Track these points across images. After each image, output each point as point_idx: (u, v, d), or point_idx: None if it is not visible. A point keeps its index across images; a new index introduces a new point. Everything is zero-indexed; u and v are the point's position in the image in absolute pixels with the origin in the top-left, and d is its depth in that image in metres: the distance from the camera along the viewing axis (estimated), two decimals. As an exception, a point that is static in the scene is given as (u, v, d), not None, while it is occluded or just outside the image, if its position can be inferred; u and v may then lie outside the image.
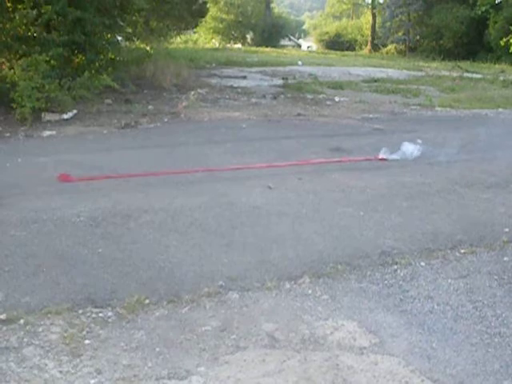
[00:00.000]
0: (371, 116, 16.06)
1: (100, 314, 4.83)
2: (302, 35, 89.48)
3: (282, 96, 19.48)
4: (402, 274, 5.88)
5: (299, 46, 79.98)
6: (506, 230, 7.28)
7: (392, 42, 59.42)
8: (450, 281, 5.78)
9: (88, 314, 4.82)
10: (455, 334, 4.76)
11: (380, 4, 64.76)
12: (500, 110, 18.81)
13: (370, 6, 67.24)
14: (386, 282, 5.70)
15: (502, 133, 10.93)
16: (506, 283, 5.80)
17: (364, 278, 5.77)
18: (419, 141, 11.16)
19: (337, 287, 5.52)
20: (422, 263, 6.17)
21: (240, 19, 64.25)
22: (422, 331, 4.76)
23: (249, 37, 66.61)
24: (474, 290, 5.59)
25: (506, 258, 6.42)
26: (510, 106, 19.80)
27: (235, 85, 21.63)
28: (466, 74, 30.11)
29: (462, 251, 6.53)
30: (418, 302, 5.28)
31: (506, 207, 8.19)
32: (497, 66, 39.88)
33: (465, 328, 4.85)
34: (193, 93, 18.14)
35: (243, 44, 63.52)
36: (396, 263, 6.13)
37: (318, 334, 4.65)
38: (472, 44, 50.18)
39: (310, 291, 5.42)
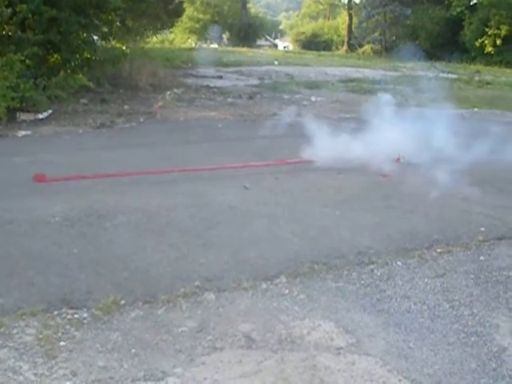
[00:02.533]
0: (348, 116, 16.08)
1: (75, 315, 4.79)
2: (279, 35, 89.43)
3: (259, 96, 19.47)
4: (378, 274, 5.88)
5: (275, 46, 79.97)
6: (482, 229, 7.31)
7: (368, 43, 59.52)
8: (426, 280, 5.79)
9: (63, 316, 4.77)
10: (432, 333, 4.76)
11: (356, 4, 64.93)
12: (475, 109, 18.92)
13: (346, 7, 67.34)
14: (362, 281, 5.70)
15: (477, 132, 10.98)
16: (483, 282, 5.82)
17: (341, 277, 5.77)
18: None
19: (313, 287, 5.51)
20: (399, 263, 6.18)
21: (216, 19, 64.12)
22: (399, 331, 4.76)
23: (225, 37, 66.51)
24: (451, 290, 5.61)
25: (482, 258, 6.44)
26: (486, 106, 19.93)
27: (211, 85, 21.57)
28: (441, 75, 30.22)
29: (439, 250, 6.55)
30: (395, 302, 5.29)
31: (481, 207, 8.22)
32: (472, 66, 40.09)
33: (442, 327, 4.86)
34: (169, 92, 18.10)
35: (219, 44, 63.40)
36: (373, 263, 6.13)
37: (294, 334, 4.63)
38: (447, 45, 50.43)
39: (286, 291, 5.40)
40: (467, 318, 5.05)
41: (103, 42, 19.64)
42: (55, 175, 8.73)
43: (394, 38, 57.58)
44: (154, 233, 6.69)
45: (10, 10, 13.77)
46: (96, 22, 17.14)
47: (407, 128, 10.80)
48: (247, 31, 63.20)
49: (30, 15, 14.30)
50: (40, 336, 4.44)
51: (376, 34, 58.35)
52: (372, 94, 21.12)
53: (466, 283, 5.78)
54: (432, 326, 4.89)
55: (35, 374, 3.98)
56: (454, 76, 30.26)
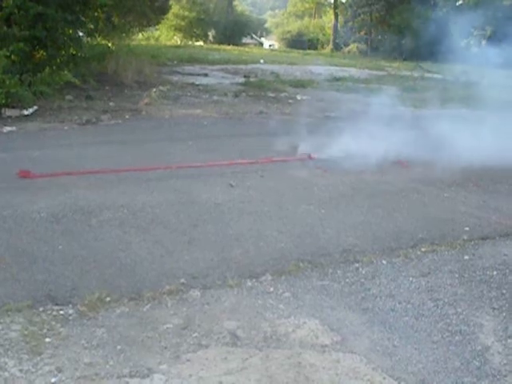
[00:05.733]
0: (333, 115, 16.10)
1: (61, 312, 4.78)
2: (264, 34, 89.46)
3: (244, 94, 19.48)
4: (363, 272, 5.90)
5: (261, 44, 79.95)
6: (467, 228, 7.34)
7: (354, 42, 59.66)
8: (411, 279, 5.81)
9: (49, 312, 4.76)
10: (417, 331, 4.78)
11: (342, 3, 65.01)
12: (462, 110, 18.95)
13: (332, 6, 67.42)
14: (347, 280, 5.71)
15: (463, 132, 11.00)
16: (467, 281, 5.85)
17: (326, 275, 5.78)
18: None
19: (299, 285, 5.52)
20: (384, 261, 6.19)
21: (202, 16, 64.06)
22: (383, 329, 4.78)
23: (211, 34, 66.44)
24: (435, 289, 5.63)
25: (466, 257, 6.47)
26: (472, 106, 19.96)
27: (197, 82, 21.57)
28: (427, 75, 30.26)
29: (424, 250, 6.57)
30: (380, 300, 5.30)
31: (466, 206, 8.26)
32: (457, 66, 40.15)
33: (426, 326, 4.88)
34: (154, 90, 18.07)
35: (205, 42, 63.33)
36: (358, 261, 6.15)
37: (279, 331, 4.64)
38: (433, 44, 50.51)
39: (271, 289, 5.41)
40: (451, 317, 5.07)
41: (89, 39, 19.59)
42: (40, 171, 8.69)
43: (379, 37, 57.65)
44: (140, 230, 6.68)
45: (-5, 6, 13.75)
46: (82, 18, 17.08)
47: (397, 129, 10.84)
48: (233, 29, 63.18)
49: (15, 11, 14.27)
50: (25, 332, 4.43)
51: (362, 34, 58.50)
52: (357, 94, 21.17)
53: (450, 282, 5.80)
54: (416, 324, 4.91)
55: (21, 371, 3.97)
56: (439, 76, 30.30)
